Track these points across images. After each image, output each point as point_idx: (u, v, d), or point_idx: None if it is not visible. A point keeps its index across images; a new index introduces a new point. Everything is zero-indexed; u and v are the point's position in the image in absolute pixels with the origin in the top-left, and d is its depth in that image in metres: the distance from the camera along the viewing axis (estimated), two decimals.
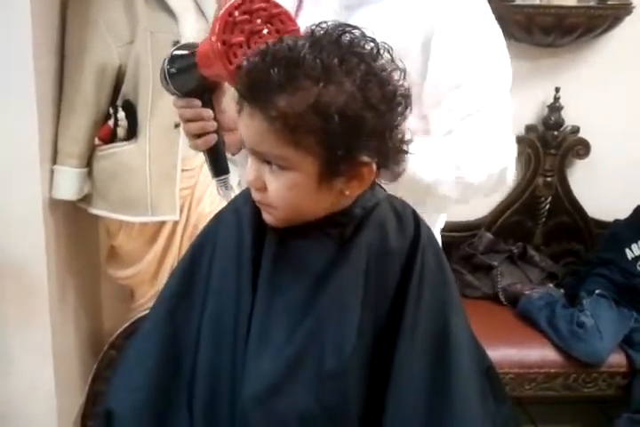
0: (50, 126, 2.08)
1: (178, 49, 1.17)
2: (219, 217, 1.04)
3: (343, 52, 0.84)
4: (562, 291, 2.59)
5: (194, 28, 2.17)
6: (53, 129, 2.10)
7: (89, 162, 2.17)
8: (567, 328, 2.31)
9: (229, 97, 1.19)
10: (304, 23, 1.14)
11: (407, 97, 0.88)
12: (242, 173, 1.38)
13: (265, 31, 1.04)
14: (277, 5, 1.06)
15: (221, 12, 1.02)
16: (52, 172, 2.09)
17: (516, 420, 1.04)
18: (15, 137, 1.92)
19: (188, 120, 1.16)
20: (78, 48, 2.08)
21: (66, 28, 2.10)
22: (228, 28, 1.01)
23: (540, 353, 2.31)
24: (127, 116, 2.15)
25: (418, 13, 1.19)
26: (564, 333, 2.30)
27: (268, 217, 0.93)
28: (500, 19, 2.50)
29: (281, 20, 1.05)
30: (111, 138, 2.19)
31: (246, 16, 1.03)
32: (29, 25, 1.84)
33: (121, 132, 2.18)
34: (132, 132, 2.14)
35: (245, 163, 1.37)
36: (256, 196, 0.91)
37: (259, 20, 1.04)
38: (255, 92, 0.85)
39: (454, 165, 1.14)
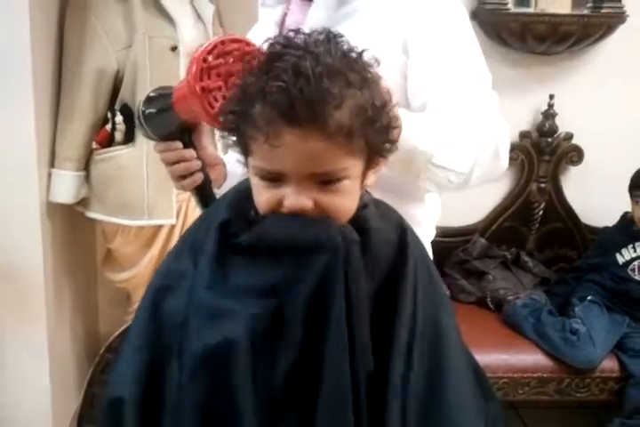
0: (47, 130, 2.09)
1: (152, 92, 1.15)
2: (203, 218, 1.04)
3: (354, 59, 0.86)
4: (544, 296, 2.58)
5: (191, 34, 2.19)
6: (51, 133, 2.12)
7: (86, 166, 2.18)
8: (558, 336, 2.31)
9: (208, 134, 1.20)
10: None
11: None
12: None
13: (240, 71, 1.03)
14: (249, 43, 1.05)
15: (195, 54, 1.02)
16: (49, 175, 2.11)
17: (504, 419, 1.04)
18: (13, 140, 1.93)
19: (171, 163, 1.16)
20: (76, 52, 2.09)
21: (64, 32, 2.12)
22: (204, 75, 1.01)
23: (533, 358, 2.32)
24: (125, 121, 2.17)
25: (396, 17, 1.19)
26: (555, 340, 2.30)
27: None
28: (495, 26, 2.57)
29: (255, 57, 1.03)
30: (109, 142, 2.21)
31: (220, 60, 1.02)
32: (28, 29, 1.86)
33: (118, 136, 2.20)
34: (129, 137, 2.16)
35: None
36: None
37: (231, 60, 1.03)
38: (307, 111, 0.80)
39: (445, 134, 1.11)
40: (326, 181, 0.85)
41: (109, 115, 2.18)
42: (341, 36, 0.88)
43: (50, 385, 2.08)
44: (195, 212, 2.27)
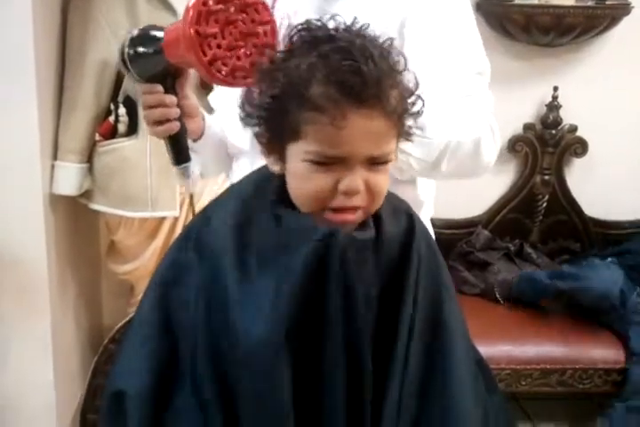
0: (50, 123, 2.09)
1: (140, 31, 1.10)
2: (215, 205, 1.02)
3: (388, 44, 0.87)
4: None
5: None
6: (54, 125, 2.11)
7: (89, 158, 2.18)
8: None
9: (192, 83, 1.16)
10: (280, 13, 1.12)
11: None
12: (203, 161, 1.36)
13: (239, 21, 1.00)
14: None
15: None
16: (52, 167, 2.10)
17: (507, 410, 1.05)
18: (16, 133, 1.92)
19: (149, 106, 1.13)
20: (79, 44, 2.09)
21: (67, 25, 2.11)
22: (202, 18, 0.96)
23: (535, 350, 2.32)
24: (128, 113, 2.17)
25: (392, 1, 1.19)
26: None
27: (348, 218, 0.88)
28: (499, 18, 2.56)
29: (256, 9, 1.02)
30: (112, 134, 2.21)
31: (221, 5, 0.98)
32: (30, 22, 1.85)
33: (122, 128, 2.19)
34: (132, 128, 2.16)
35: (207, 151, 1.32)
36: (351, 201, 0.86)
37: (232, 9, 0.99)
38: (375, 90, 0.81)
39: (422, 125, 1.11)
40: (379, 162, 0.86)
41: (112, 106, 2.17)
42: (364, 26, 0.88)
43: (53, 376, 2.09)
44: (197, 203, 2.27)
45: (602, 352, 2.33)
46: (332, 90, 0.80)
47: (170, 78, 1.11)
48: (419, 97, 0.88)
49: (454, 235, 2.78)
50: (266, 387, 0.85)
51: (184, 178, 1.21)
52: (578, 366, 2.31)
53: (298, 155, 0.86)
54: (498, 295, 2.55)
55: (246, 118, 0.90)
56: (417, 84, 0.88)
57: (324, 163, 0.84)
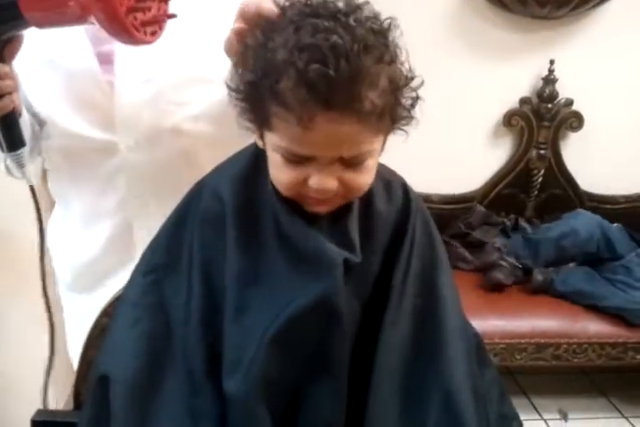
0: None
1: None
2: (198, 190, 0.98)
3: (382, 29, 0.81)
4: None
5: None
6: None
7: None
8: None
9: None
10: None
11: None
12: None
13: None
14: None
15: None
16: None
17: (501, 384, 1.04)
18: None
19: None
20: None
21: None
22: None
23: (530, 324, 2.33)
24: None
25: None
26: None
27: (322, 208, 0.87)
28: None
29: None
30: None
31: None
32: None
33: None
34: None
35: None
36: (324, 196, 0.84)
37: None
38: (345, 93, 0.75)
39: None
40: (353, 162, 0.82)
41: None
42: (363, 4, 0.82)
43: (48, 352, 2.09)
44: None
45: (596, 327, 2.34)
46: (301, 90, 0.75)
47: (2, 44, 0.91)
48: (409, 81, 0.83)
49: (449, 210, 2.78)
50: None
51: (18, 168, 1.03)
52: (572, 340, 2.32)
53: (271, 144, 0.84)
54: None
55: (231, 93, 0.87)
56: (410, 65, 0.83)
57: (294, 160, 0.82)
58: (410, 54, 0.83)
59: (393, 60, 0.80)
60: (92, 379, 0.93)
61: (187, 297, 0.90)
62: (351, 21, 0.78)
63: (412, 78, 0.83)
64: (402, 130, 0.87)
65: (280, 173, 0.85)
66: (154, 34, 0.94)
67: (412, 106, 0.84)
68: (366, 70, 0.76)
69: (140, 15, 0.89)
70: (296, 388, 0.88)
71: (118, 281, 1.24)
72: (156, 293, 0.93)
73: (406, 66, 0.83)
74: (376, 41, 0.78)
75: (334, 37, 0.75)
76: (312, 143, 0.79)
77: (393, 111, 0.82)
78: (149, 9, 0.91)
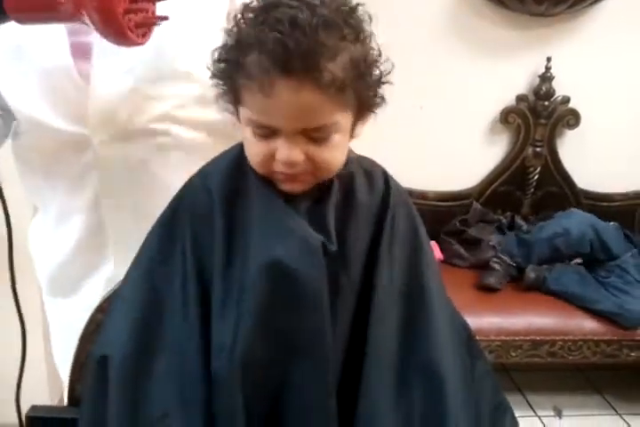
0: None
1: None
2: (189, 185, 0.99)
3: (349, 12, 0.85)
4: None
5: None
6: None
7: None
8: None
9: None
10: None
11: None
12: None
13: None
14: None
15: None
16: None
17: (492, 375, 1.05)
18: None
19: None
20: None
21: None
22: None
23: (525, 321, 2.34)
24: None
25: None
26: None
27: (294, 186, 0.90)
28: None
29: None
30: None
31: None
32: None
33: None
34: None
35: None
36: (292, 170, 0.87)
37: None
38: (302, 62, 0.79)
39: None
40: (318, 135, 0.85)
41: None
42: None
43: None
44: None
45: (592, 324, 2.35)
46: (262, 58, 0.80)
47: None
48: (376, 63, 0.86)
49: (446, 207, 2.78)
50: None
51: None
52: (568, 337, 2.33)
53: (243, 120, 0.88)
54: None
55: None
56: (380, 51, 0.87)
57: (261, 134, 0.86)
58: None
59: (358, 40, 0.84)
60: (90, 361, 0.94)
61: (181, 285, 0.92)
62: (317, 2, 0.82)
63: (377, 61, 0.87)
64: (372, 112, 0.90)
65: (251, 148, 0.89)
66: (144, 35, 0.95)
67: (379, 86, 0.88)
68: (323, 44, 0.80)
69: (133, 17, 0.91)
70: (281, 370, 0.89)
71: (93, 286, 1.26)
72: (151, 283, 0.94)
73: (376, 50, 0.86)
74: (338, 19, 0.82)
75: (294, 11, 0.80)
76: (274, 112, 0.83)
77: (357, 88, 0.84)
78: (144, 10, 0.93)
